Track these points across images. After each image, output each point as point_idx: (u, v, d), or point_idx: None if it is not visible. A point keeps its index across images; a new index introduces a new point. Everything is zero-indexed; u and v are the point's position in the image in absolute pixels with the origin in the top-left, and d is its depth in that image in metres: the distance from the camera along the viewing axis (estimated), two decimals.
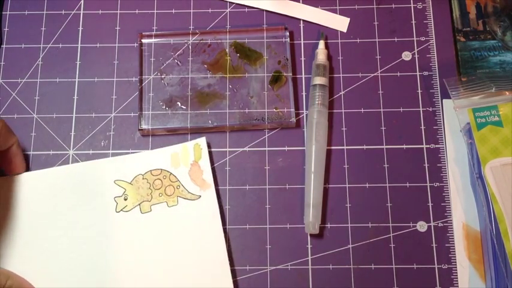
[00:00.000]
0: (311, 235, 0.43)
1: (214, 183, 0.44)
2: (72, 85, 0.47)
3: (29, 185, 0.43)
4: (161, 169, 0.44)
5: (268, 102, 0.46)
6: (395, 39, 0.48)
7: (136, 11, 0.49)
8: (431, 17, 0.49)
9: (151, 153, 0.45)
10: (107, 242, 0.42)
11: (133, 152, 0.45)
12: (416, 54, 0.48)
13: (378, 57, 0.48)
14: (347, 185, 0.44)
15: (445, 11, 0.49)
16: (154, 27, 0.49)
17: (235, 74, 0.47)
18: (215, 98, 0.46)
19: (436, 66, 0.47)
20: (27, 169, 0.45)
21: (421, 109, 0.46)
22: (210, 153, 0.45)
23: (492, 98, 0.44)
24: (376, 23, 0.49)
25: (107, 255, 0.42)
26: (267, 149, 0.45)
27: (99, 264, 0.42)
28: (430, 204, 0.44)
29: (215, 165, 0.45)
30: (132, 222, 0.43)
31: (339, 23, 0.49)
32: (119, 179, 0.44)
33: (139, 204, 0.43)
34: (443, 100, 0.46)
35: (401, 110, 0.46)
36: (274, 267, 0.42)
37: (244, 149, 0.46)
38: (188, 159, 0.44)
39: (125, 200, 0.43)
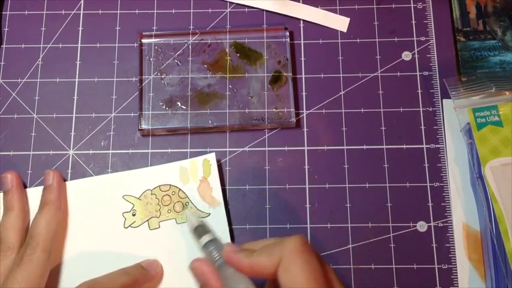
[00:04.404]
0: (312, 235, 0.43)
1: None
2: (72, 85, 0.47)
3: (38, 199, 0.42)
4: (170, 185, 0.44)
5: (268, 102, 0.46)
6: (395, 39, 0.48)
7: (136, 11, 0.49)
8: (431, 17, 0.49)
9: (159, 168, 0.44)
10: (115, 258, 0.42)
11: (133, 152, 0.45)
12: (416, 54, 0.48)
13: (378, 57, 0.48)
14: (347, 185, 0.44)
15: (445, 11, 0.49)
16: (154, 27, 0.49)
17: (235, 74, 0.47)
18: (215, 98, 0.46)
19: (436, 66, 0.47)
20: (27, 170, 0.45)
21: (421, 109, 0.46)
22: (219, 168, 0.44)
23: (492, 98, 0.44)
24: (376, 23, 0.49)
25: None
26: (267, 149, 0.45)
27: None
28: (430, 204, 0.44)
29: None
30: (141, 238, 0.42)
31: (339, 23, 0.49)
32: (127, 194, 0.44)
33: (147, 221, 0.43)
34: (443, 100, 0.46)
35: (401, 110, 0.46)
36: None
37: (244, 149, 0.46)
38: (197, 175, 0.44)
39: (133, 215, 0.43)
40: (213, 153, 0.44)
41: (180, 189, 0.44)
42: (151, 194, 0.43)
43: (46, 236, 0.39)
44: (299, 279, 0.29)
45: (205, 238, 0.36)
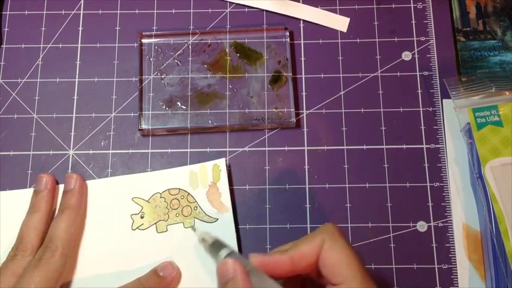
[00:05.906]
0: None
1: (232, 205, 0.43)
2: (72, 85, 0.47)
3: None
4: (179, 188, 0.44)
5: (268, 102, 0.46)
6: (395, 39, 0.48)
7: (136, 11, 0.49)
8: (431, 17, 0.49)
9: (169, 172, 0.44)
10: (122, 260, 0.42)
11: (133, 152, 0.45)
12: (416, 54, 0.48)
13: (378, 57, 0.48)
14: (347, 185, 0.44)
15: (445, 11, 0.49)
16: (154, 27, 0.49)
17: (235, 74, 0.47)
18: (215, 98, 0.46)
19: (436, 66, 0.47)
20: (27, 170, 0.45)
21: (421, 109, 0.46)
22: (229, 173, 0.44)
23: (492, 98, 0.44)
24: (376, 23, 0.49)
25: (121, 273, 0.41)
26: (267, 149, 0.45)
27: (112, 281, 0.41)
28: (430, 204, 0.44)
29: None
30: (148, 241, 0.42)
31: (339, 23, 0.49)
32: (137, 196, 0.44)
33: (155, 223, 0.43)
34: (443, 100, 0.46)
35: (401, 110, 0.46)
36: None
37: (244, 149, 0.46)
38: (206, 180, 0.44)
39: (142, 218, 0.43)
40: (223, 159, 0.44)
41: (189, 193, 0.43)
42: (160, 197, 0.43)
43: (65, 240, 0.39)
44: (345, 254, 0.32)
45: (224, 252, 0.34)
